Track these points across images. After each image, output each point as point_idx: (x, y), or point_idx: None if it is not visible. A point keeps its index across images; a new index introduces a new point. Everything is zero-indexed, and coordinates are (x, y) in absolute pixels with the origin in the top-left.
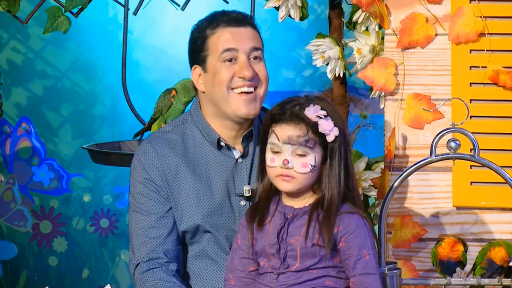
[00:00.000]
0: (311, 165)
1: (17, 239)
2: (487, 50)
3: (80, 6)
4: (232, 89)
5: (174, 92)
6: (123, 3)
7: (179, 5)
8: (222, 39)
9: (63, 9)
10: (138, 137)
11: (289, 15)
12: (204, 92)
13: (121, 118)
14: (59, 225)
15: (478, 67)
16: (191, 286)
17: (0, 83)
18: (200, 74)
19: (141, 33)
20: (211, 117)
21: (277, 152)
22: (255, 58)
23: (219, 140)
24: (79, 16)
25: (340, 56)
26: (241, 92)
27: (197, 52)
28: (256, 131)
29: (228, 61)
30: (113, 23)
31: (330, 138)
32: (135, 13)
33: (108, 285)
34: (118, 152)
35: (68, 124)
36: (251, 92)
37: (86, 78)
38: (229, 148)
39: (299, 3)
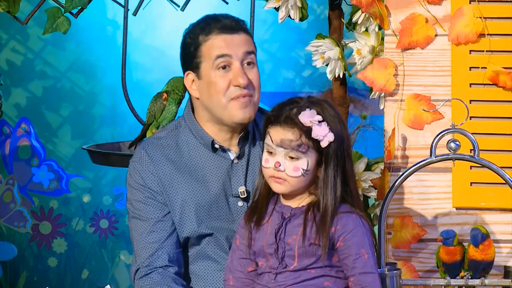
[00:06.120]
0: (303, 169)
1: (16, 240)
2: (487, 51)
3: (80, 7)
4: (230, 99)
5: (165, 95)
6: (122, 3)
7: (178, 6)
8: (215, 46)
9: (62, 10)
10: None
11: (289, 16)
12: (198, 98)
13: (120, 118)
14: (58, 226)
15: (478, 67)
16: (192, 287)
17: (0, 84)
18: (193, 80)
19: (141, 34)
20: (205, 122)
21: (271, 154)
22: (248, 63)
23: (213, 143)
24: (79, 16)
25: (340, 57)
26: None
27: (190, 58)
28: (252, 132)
29: (222, 68)
30: (113, 23)
31: (323, 144)
32: (134, 13)
33: (108, 285)
34: (118, 152)
35: (68, 125)
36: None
37: (86, 78)
38: (224, 150)
39: (299, 4)
